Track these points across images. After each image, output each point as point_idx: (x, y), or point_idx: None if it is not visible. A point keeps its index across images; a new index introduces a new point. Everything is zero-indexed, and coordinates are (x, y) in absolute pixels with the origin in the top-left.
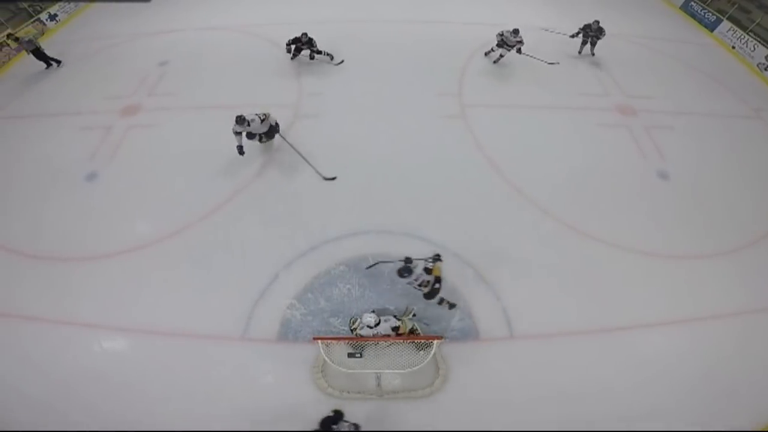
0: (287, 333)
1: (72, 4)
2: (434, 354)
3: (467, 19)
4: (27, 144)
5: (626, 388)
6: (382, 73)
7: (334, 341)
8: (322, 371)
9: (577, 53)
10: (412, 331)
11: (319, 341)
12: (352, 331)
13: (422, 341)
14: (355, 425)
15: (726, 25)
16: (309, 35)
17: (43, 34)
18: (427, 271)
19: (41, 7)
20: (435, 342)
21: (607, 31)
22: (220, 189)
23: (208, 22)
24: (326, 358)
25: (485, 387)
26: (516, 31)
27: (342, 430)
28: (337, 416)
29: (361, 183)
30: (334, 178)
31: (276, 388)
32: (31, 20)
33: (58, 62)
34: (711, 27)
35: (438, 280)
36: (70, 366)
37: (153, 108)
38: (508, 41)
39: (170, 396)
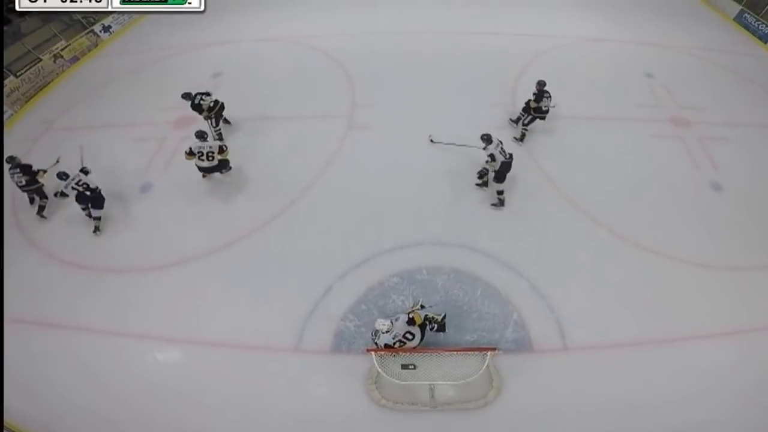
0: (341, 344)
1: (126, 16)
2: (488, 365)
3: (520, 31)
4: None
5: (680, 400)
6: (435, 84)
7: (387, 353)
8: (375, 383)
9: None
10: (430, 320)
11: (373, 353)
12: (375, 344)
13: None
14: None
15: None
16: (218, 101)
17: (97, 45)
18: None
19: (95, 19)
20: (489, 353)
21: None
22: (273, 200)
23: (261, 34)
24: (380, 370)
25: (538, 399)
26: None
27: None
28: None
29: (414, 194)
30: None
31: (329, 399)
32: (85, 32)
33: None
34: (765, 39)
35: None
36: (124, 377)
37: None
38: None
39: (224, 408)
